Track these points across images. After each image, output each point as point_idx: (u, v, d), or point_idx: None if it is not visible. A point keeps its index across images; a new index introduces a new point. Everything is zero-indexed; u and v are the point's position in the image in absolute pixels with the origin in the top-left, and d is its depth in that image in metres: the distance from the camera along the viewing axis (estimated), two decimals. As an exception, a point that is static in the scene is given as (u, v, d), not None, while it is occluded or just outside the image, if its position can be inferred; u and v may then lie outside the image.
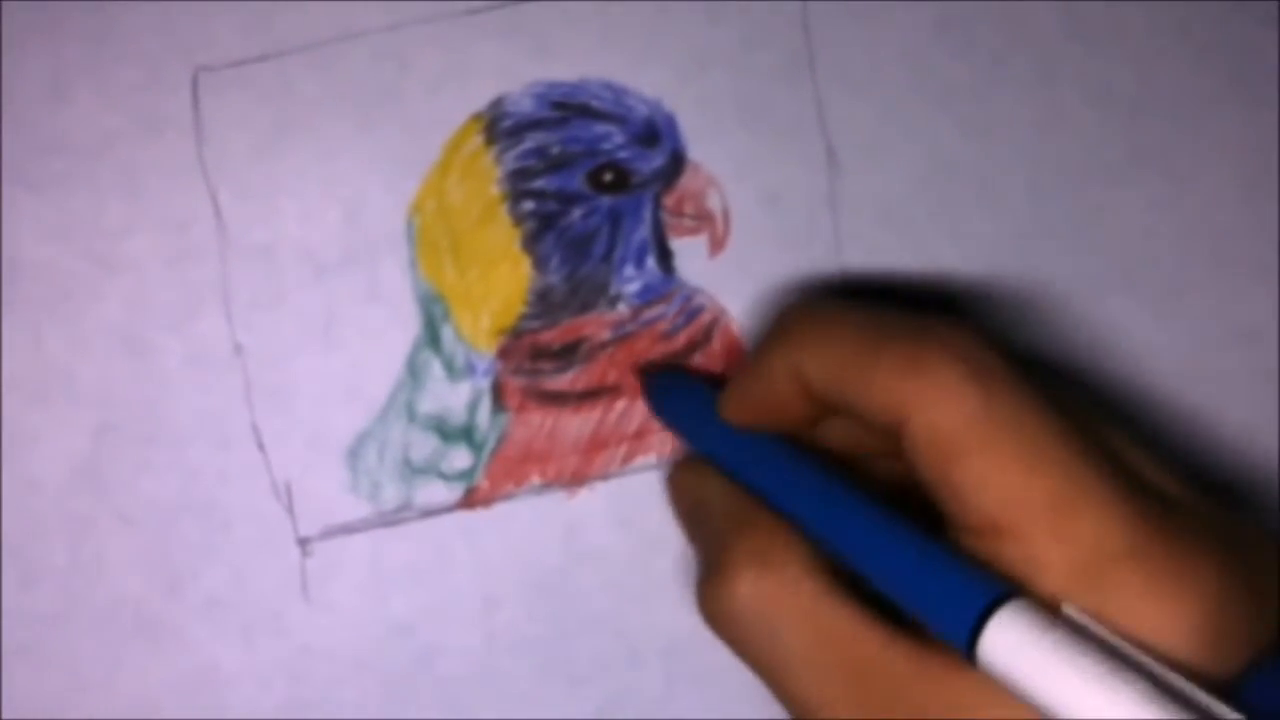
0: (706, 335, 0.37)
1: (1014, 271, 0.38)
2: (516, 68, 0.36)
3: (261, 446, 0.35)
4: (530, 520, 0.37)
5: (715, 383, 0.35)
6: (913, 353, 0.30)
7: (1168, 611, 0.28)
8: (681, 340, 0.37)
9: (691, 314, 0.37)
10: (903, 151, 0.37)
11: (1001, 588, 0.28)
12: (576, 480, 0.37)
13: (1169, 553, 0.28)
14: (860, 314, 0.32)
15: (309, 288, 0.35)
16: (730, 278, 0.37)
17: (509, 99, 0.36)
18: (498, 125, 0.36)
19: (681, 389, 0.36)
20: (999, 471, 0.29)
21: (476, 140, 0.36)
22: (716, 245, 0.37)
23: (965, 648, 0.27)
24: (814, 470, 0.32)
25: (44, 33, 0.34)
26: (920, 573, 0.29)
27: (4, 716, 0.35)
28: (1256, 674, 0.28)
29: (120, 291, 0.35)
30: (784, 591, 0.31)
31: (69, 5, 0.34)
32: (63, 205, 0.35)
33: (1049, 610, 0.27)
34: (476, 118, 0.36)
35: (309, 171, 0.35)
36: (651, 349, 0.36)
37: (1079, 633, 0.27)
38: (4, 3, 0.34)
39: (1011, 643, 0.27)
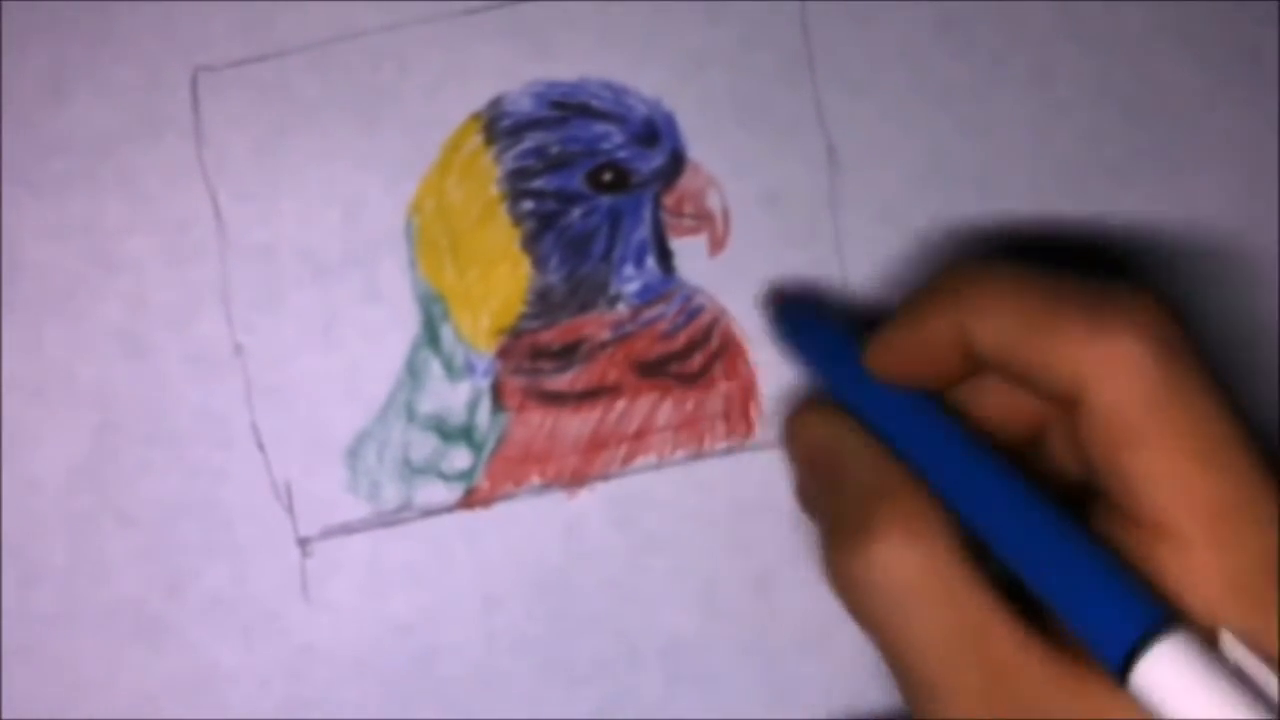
0: (706, 335, 0.37)
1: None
2: (516, 67, 0.36)
3: (261, 446, 0.36)
4: (530, 520, 0.37)
5: (849, 318, 0.32)
6: (1095, 320, 0.28)
7: None
8: (681, 340, 0.36)
9: (691, 314, 0.36)
10: (903, 151, 0.37)
11: (1164, 611, 0.26)
12: (576, 480, 0.37)
13: None
14: (1037, 276, 0.30)
15: (309, 288, 0.35)
16: (730, 277, 0.37)
17: (508, 98, 0.36)
18: (497, 125, 0.36)
19: (816, 324, 0.34)
20: (1174, 464, 0.27)
21: (476, 140, 0.36)
22: (716, 245, 0.37)
23: (1118, 670, 0.26)
24: (968, 443, 0.30)
25: (44, 33, 0.34)
26: (1079, 580, 0.27)
27: (4, 716, 0.35)
28: None
29: (120, 291, 0.35)
30: (929, 568, 0.29)
31: (69, 5, 0.34)
32: (63, 205, 0.35)
33: (1209, 639, 0.26)
34: (476, 117, 0.36)
35: (308, 172, 0.35)
36: (651, 349, 0.36)
37: (1237, 669, 0.26)
38: (4, 3, 0.34)
39: (1170, 674, 0.25)
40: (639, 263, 0.36)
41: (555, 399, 0.36)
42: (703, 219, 0.36)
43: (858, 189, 0.37)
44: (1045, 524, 0.28)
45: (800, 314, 0.35)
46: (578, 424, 0.36)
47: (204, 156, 0.35)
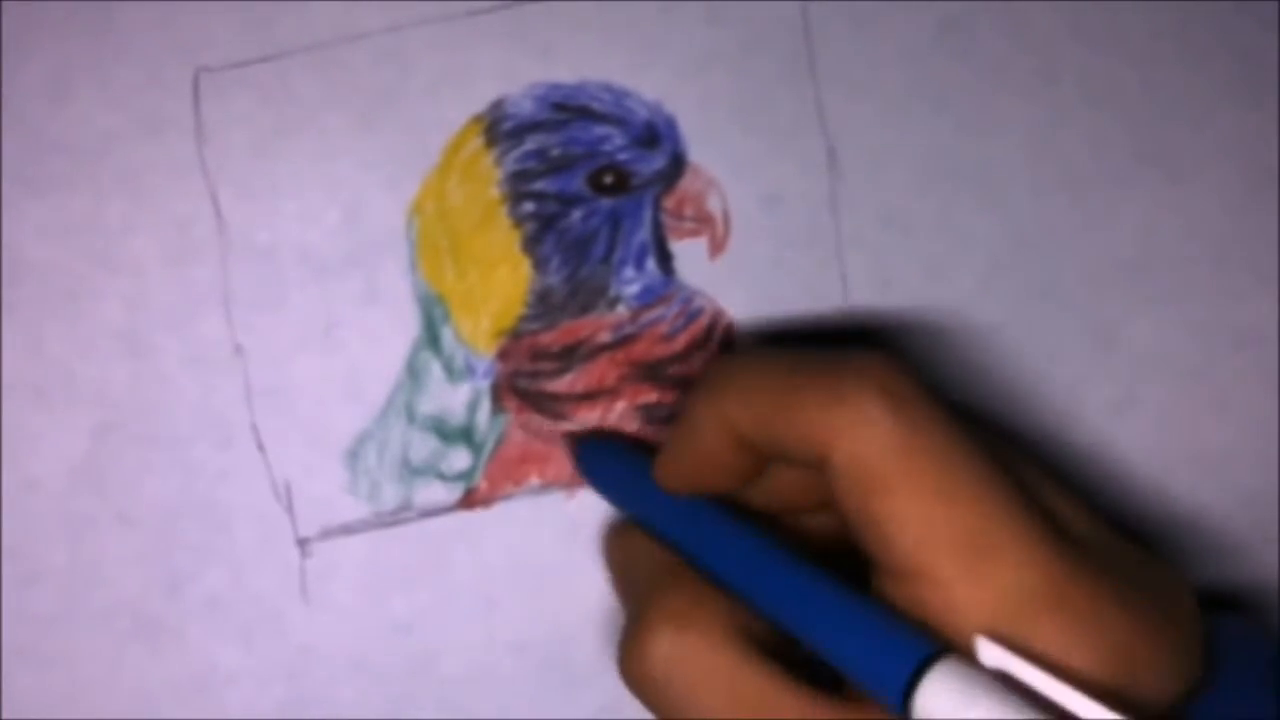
0: (706, 337, 0.37)
1: (1014, 273, 0.38)
2: (517, 69, 0.36)
3: (261, 447, 0.36)
4: (530, 520, 0.37)
5: (645, 447, 0.35)
6: (833, 385, 0.30)
7: (1085, 657, 0.28)
8: (681, 342, 0.37)
9: (691, 316, 0.37)
10: (903, 153, 0.37)
11: (933, 645, 0.28)
12: (576, 480, 0.37)
13: (1086, 595, 0.28)
14: (781, 354, 0.32)
15: (309, 289, 0.35)
16: (730, 280, 0.37)
17: (509, 101, 0.36)
18: (498, 127, 0.36)
19: (611, 453, 0.36)
20: (918, 507, 0.29)
21: (477, 142, 0.36)
22: (716, 247, 0.37)
23: (899, 708, 0.27)
24: (742, 530, 0.32)
25: (45, 33, 0.34)
26: (850, 629, 0.29)
27: (4, 716, 0.35)
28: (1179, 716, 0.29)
29: (120, 291, 0.35)
30: (702, 653, 0.30)
31: (70, 5, 0.34)
32: (63, 205, 0.35)
33: (981, 665, 0.28)
34: (477, 119, 0.36)
35: (309, 172, 0.35)
36: (651, 351, 0.36)
37: (1010, 683, 0.27)
38: (4, 2, 0.34)
39: (944, 698, 0.27)
40: (639, 265, 0.36)
41: (555, 400, 0.36)
42: (703, 221, 0.36)
43: (858, 191, 0.37)
44: (816, 590, 0.30)
45: (597, 448, 0.36)
46: (577, 425, 0.36)
47: (205, 157, 0.35)
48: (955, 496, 0.29)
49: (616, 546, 0.35)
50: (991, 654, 0.28)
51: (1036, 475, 0.31)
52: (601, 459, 0.36)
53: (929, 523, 0.29)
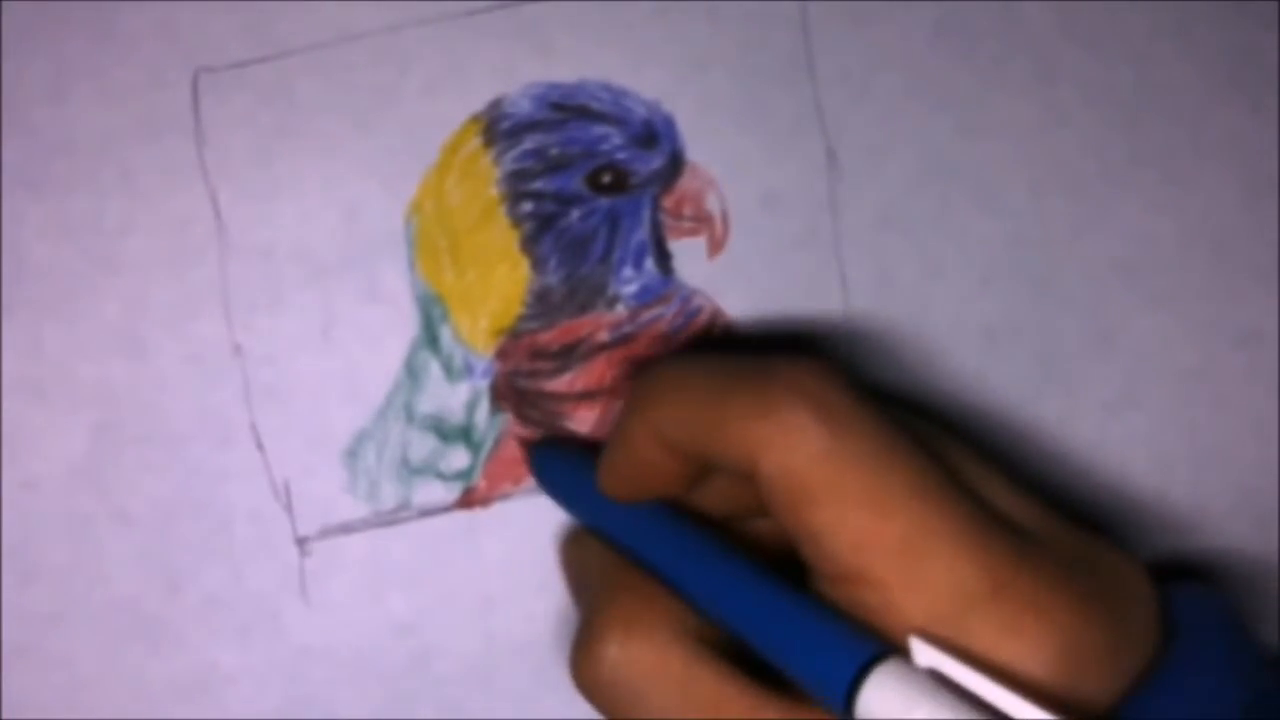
0: (705, 337, 0.37)
1: (1013, 273, 0.37)
2: (515, 69, 0.36)
3: (260, 446, 0.36)
4: (529, 520, 0.37)
5: (597, 452, 0.34)
6: (759, 395, 0.30)
7: (1028, 648, 0.28)
8: (680, 342, 0.36)
9: (690, 315, 0.37)
10: (902, 153, 0.37)
11: (876, 646, 0.28)
12: (575, 481, 0.37)
13: (1026, 589, 0.28)
14: (709, 363, 0.32)
15: (308, 288, 0.35)
16: (729, 279, 0.37)
17: (507, 100, 0.36)
18: (496, 126, 0.36)
19: (564, 460, 0.36)
20: (849, 515, 0.29)
21: (475, 141, 0.36)
22: (715, 247, 0.37)
23: (842, 709, 0.28)
24: (688, 534, 0.32)
25: (45, 33, 0.34)
26: (794, 633, 0.29)
27: (4, 716, 0.35)
28: (1130, 703, 0.29)
29: (120, 291, 0.35)
30: (651, 656, 0.30)
31: (70, 6, 0.34)
32: (63, 205, 0.35)
33: (924, 665, 0.28)
34: (475, 119, 0.36)
35: (308, 172, 0.35)
36: (650, 350, 0.36)
37: (948, 682, 0.27)
38: (5, 3, 0.34)
39: (886, 697, 0.27)
40: (638, 264, 0.36)
41: (554, 400, 0.36)
42: (702, 221, 0.36)
43: (857, 191, 0.37)
44: (760, 593, 0.30)
45: (551, 455, 0.36)
46: (575, 425, 0.37)
47: (204, 157, 0.35)
48: (887, 501, 0.29)
49: (570, 552, 0.36)
50: (926, 654, 0.28)
51: (979, 471, 0.31)
52: (554, 465, 0.36)
53: (862, 529, 0.29)
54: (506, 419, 0.36)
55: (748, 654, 0.31)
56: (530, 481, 0.36)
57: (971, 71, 0.37)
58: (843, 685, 0.28)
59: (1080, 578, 0.29)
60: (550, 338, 0.36)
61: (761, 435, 0.29)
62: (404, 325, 0.36)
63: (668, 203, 0.36)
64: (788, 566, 0.31)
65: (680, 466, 0.32)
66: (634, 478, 0.33)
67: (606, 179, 0.36)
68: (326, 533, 0.36)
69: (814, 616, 0.29)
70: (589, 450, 0.35)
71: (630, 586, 0.32)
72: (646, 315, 0.36)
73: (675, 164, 0.36)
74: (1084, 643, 0.28)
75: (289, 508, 0.36)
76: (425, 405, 0.36)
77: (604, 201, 0.36)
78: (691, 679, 0.30)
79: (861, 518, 0.29)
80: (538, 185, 0.36)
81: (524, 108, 0.36)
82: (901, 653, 0.28)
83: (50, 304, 0.35)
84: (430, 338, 0.36)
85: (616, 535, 0.34)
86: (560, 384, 0.36)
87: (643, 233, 0.36)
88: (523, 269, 0.36)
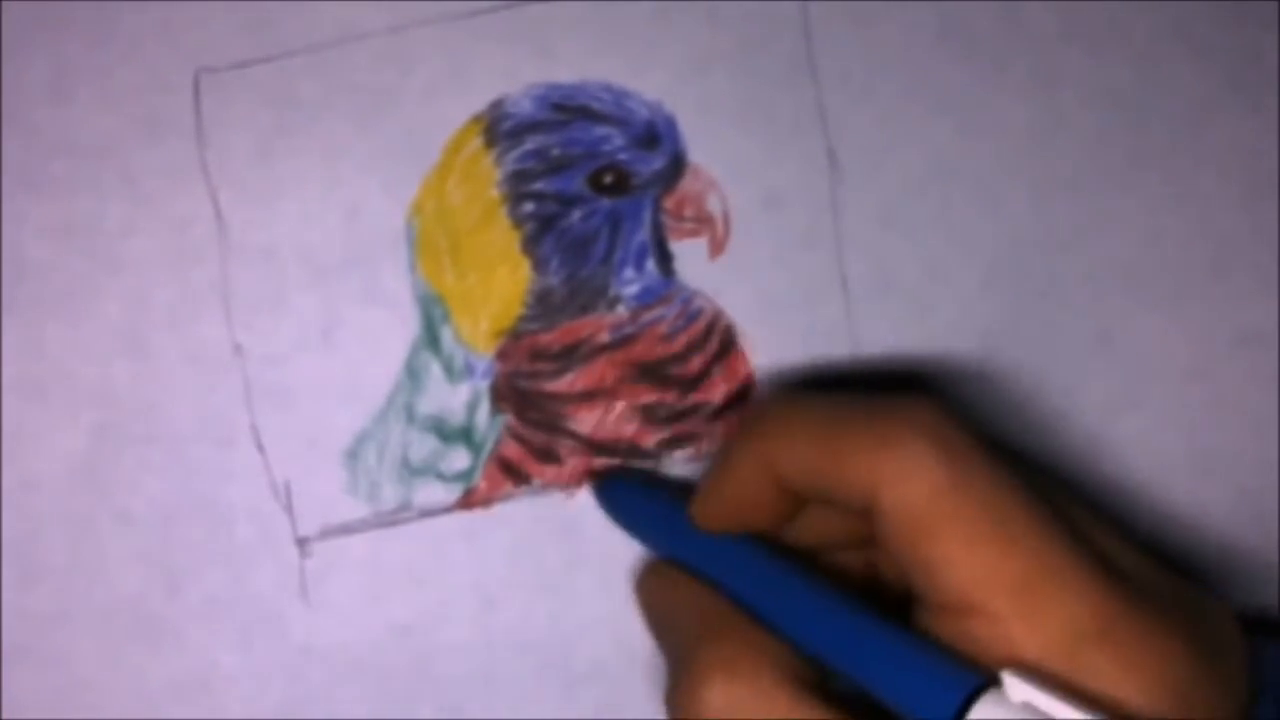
0: (706, 338, 0.37)
1: (1014, 274, 0.38)
2: (517, 70, 0.36)
3: (260, 447, 0.36)
4: (529, 520, 0.37)
5: (668, 483, 0.35)
6: (881, 431, 0.30)
7: (1138, 690, 0.28)
8: (681, 343, 0.37)
9: (691, 316, 0.37)
10: (903, 154, 0.37)
11: (981, 676, 0.28)
12: (575, 481, 0.37)
13: (1138, 631, 0.29)
14: (827, 400, 0.32)
15: (309, 289, 0.35)
16: (730, 280, 0.37)
17: (509, 101, 0.36)
18: (498, 127, 0.36)
19: (634, 492, 0.36)
20: (969, 549, 0.29)
21: (476, 142, 0.36)
22: (716, 248, 0.37)
23: None
24: (785, 569, 0.32)
25: (46, 34, 0.34)
26: (897, 665, 0.29)
27: (4, 716, 0.35)
28: None
29: (120, 291, 0.35)
30: (755, 700, 0.30)
31: (71, 6, 0.34)
32: (64, 206, 0.35)
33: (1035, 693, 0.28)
34: (476, 119, 0.36)
35: (309, 173, 0.35)
36: (651, 351, 0.36)
37: (1042, 716, 0.27)
38: (5, 3, 0.34)
39: None
40: (639, 265, 0.36)
41: (554, 400, 0.36)
42: (703, 222, 0.36)
43: (858, 193, 0.37)
44: (861, 625, 0.30)
45: (621, 490, 0.36)
46: (576, 425, 0.37)
47: (205, 158, 0.35)
48: (1006, 539, 0.29)
49: (653, 588, 0.35)
50: (1018, 689, 0.28)
51: (1083, 514, 0.31)
52: (625, 498, 0.36)
53: (979, 563, 0.29)
54: (507, 420, 0.36)
55: (840, 693, 0.31)
56: (530, 482, 0.36)
57: (972, 73, 0.37)
58: (950, 712, 0.28)
59: (1186, 623, 0.29)
60: (551, 339, 0.36)
61: (883, 469, 0.30)
62: (405, 326, 0.36)
63: (669, 204, 0.36)
64: (870, 600, 0.31)
65: (784, 502, 0.32)
66: (734, 510, 0.33)
67: (608, 180, 0.36)
68: (327, 533, 0.36)
69: (915, 645, 0.29)
70: (654, 480, 0.35)
71: (729, 626, 0.32)
72: (647, 316, 0.36)
73: (677, 165, 0.36)
74: (1190, 688, 0.29)
75: (289, 508, 0.36)
76: (426, 406, 0.36)
77: (605, 202, 0.36)
78: None
79: (982, 552, 0.29)
80: (539, 186, 0.36)
81: (525, 108, 0.36)
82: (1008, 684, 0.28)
83: (51, 304, 0.35)
84: (431, 338, 0.36)
85: (701, 567, 0.34)
86: (561, 385, 0.36)
87: (644, 234, 0.36)
88: (524, 270, 0.36)
